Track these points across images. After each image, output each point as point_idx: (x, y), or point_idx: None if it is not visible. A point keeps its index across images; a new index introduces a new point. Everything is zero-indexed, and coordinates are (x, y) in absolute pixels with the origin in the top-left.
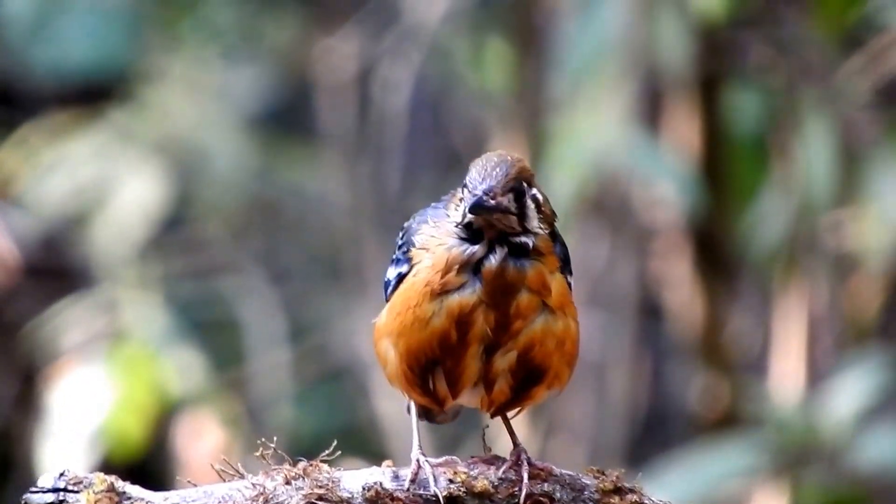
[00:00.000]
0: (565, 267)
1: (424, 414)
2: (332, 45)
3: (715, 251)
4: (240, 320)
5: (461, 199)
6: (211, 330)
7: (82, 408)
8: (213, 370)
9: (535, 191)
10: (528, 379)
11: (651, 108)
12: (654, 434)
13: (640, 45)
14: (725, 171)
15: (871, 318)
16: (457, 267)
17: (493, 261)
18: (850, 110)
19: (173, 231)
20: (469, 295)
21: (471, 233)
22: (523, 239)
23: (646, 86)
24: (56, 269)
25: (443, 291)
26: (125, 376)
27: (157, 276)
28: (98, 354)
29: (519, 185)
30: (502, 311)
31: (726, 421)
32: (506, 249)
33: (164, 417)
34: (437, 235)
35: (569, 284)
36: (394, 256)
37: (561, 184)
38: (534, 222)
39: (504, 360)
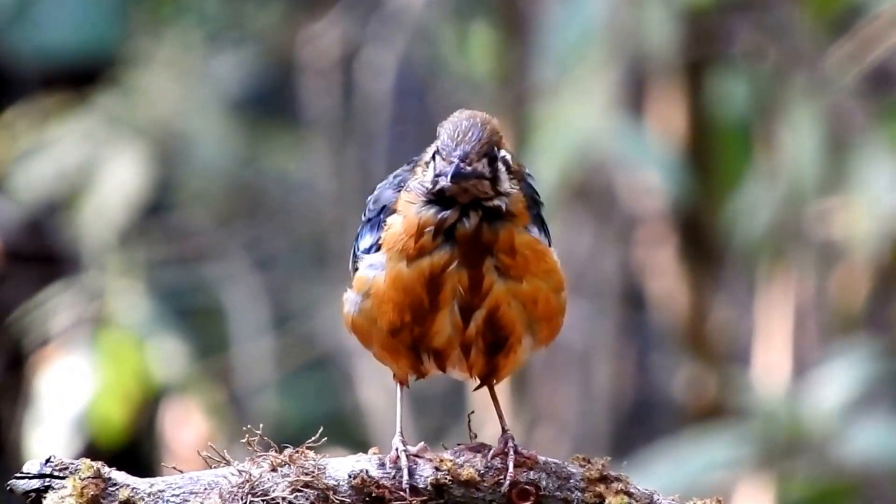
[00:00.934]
0: (536, 209)
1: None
2: (316, 29)
3: (700, 239)
4: (224, 307)
5: (427, 164)
6: (195, 317)
7: (68, 394)
8: (197, 357)
9: (503, 152)
10: (495, 345)
11: (636, 95)
12: (639, 424)
13: (626, 30)
14: (711, 158)
15: (857, 308)
16: (429, 230)
17: (468, 225)
18: (838, 97)
19: (157, 217)
20: (440, 256)
21: (442, 197)
22: (496, 202)
23: (631, 72)
24: (41, 254)
25: (415, 255)
26: (110, 363)
27: (141, 262)
28: (83, 341)
29: (491, 149)
30: (476, 270)
31: (711, 411)
32: (480, 213)
33: (149, 404)
34: (409, 199)
35: (546, 232)
36: (363, 224)
37: (545, 170)
38: (506, 185)
39: (472, 323)
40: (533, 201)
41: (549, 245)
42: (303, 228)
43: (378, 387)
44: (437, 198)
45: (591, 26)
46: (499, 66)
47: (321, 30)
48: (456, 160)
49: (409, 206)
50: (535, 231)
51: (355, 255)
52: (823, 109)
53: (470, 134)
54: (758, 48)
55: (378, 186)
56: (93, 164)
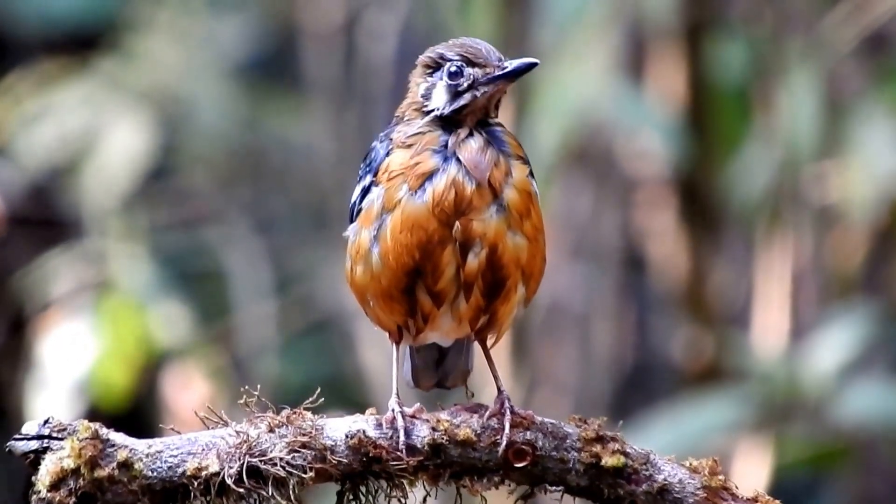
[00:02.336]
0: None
1: (413, 378)
2: None
3: (699, 202)
4: (225, 271)
5: (426, 94)
6: (197, 280)
7: (69, 358)
8: (199, 321)
9: None
10: (494, 287)
11: (635, 59)
12: (638, 386)
13: None
14: (710, 121)
15: (854, 270)
16: (430, 149)
17: (475, 141)
18: (835, 61)
19: (159, 181)
20: (443, 180)
21: (445, 122)
22: (494, 119)
23: (630, 36)
24: (43, 218)
25: (417, 183)
26: (111, 327)
27: (142, 226)
28: (85, 305)
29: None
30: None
31: (710, 373)
32: (483, 133)
33: (151, 368)
34: (404, 138)
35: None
36: (358, 184)
37: (545, 134)
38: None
39: (476, 260)
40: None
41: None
42: (303, 192)
43: (378, 349)
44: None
45: None
46: (499, 31)
47: None
48: (501, 60)
49: (405, 140)
50: (533, 183)
51: (352, 214)
52: (821, 73)
53: (484, 44)
54: (755, 12)
55: (368, 151)
56: (94, 129)
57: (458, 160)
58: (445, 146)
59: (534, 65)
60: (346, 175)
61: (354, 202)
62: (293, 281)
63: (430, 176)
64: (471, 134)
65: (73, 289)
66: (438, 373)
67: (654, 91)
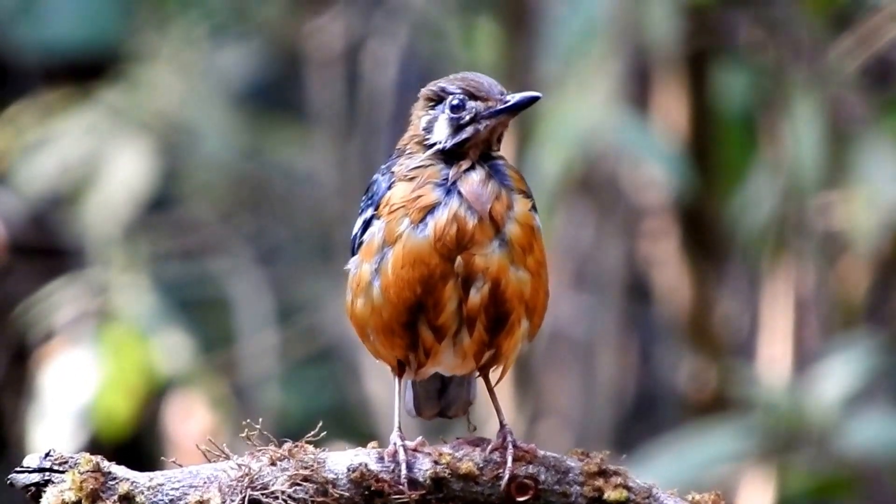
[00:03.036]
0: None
1: (415, 406)
2: (320, 22)
3: (703, 232)
4: (228, 300)
5: (427, 127)
6: (199, 310)
7: (71, 388)
8: (201, 351)
9: None
10: (498, 321)
11: (639, 88)
12: (643, 417)
13: (629, 23)
14: (713, 151)
15: (859, 300)
16: (432, 183)
17: (475, 176)
18: (839, 90)
19: (162, 210)
20: (444, 213)
21: (447, 156)
22: (496, 153)
23: (634, 65)
24: (45, 248)
25: (419, 217)
26: (113, 357)
27: (145, 255)
28: (87, 335)
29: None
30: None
31: (714, 404)
32: (486, 166)
33: (154, 398)
34: (405, 171)
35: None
36: (359, 217)
37: (549, 163)
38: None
39: (478, 295)
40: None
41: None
42: (307, 221)
43: (381, 379)
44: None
45: (595, 20)
46: (502, 60)
47: (325, 22)
48: (503, 94)
49: (407, 173)
50: (536, 217)
51: (353, 247)
52: (825, 102)
53: (488, 79)
54: (759, 41)
55: (369, 184)
56: (97, 158)
57: (460, 194)
58: (447, 179)
59: (535, 98)
60: (350, 205)
61: (356, 235)
62: (296, 311)
63: (431, 210)
64: (472, 167)
65: (75, 318)
66: (441, 402)
67: (658, 120)
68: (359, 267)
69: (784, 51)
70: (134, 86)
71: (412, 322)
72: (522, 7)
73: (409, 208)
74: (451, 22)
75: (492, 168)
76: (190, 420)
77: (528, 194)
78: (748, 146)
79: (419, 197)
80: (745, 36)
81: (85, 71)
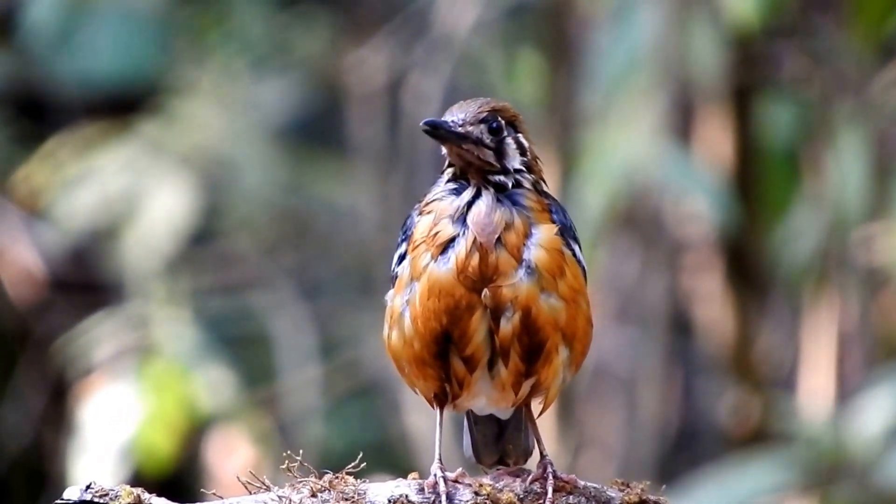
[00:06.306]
0: (567, 234)
1: (474, 452)
2: (362, 56)
3: (746, 266)
4: (270, 335)
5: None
6: (241, 345)
7: (113, 423)
8: (243, 386)
9: (520, 135)
10: (533, 350)
11: (683, 121)
12: (685, 450)
13: (673, 56)
14: (757, 184)
15: None
16: (447, 217)
17: (483, 205)
18: (884, 123)
19: (203, 245)
20: (462, 244)
21: (458, 185)
22: (502, 178)
23: (678, 98)
24: (85, 283)
25: (438, 250)
26: (155, 392)
27: (186, 290)
28: (128, 370)
29: (493, 118)
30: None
31: (756, 437)
32: (492, 192)
33: (195, 433)
34: (430, 200)
35: (578, 261)
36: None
37: (592, 197)
38: (514, 162)
39: (509, 325)
40: (565, 227)
41: (584, 275)
42: (348, 256)
43: (424, 414)
44: (456, 187)
45: (638, 52)
46: (545, 93)
47: (366, 56)
48: (447, 120)
49: (424, 208)
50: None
51: (392, 280)
52: (870, 135)
53: (471, 105)
54: (805, 74)
55: (406, 218)
56: (136, 192)
57: None
58: (459, 206)
59: (429, 125)
60: (391, 239)
61: (392, 268)
62: (337, 346)
63: (451, 242)
64: (479, 194)
65: (115, 353)
66: (499, 447)
67: (701, 154)
68: (392, 300)
69: (829, 83)
70: (173, 119)
71: (443, 352)
72: (565, 39)
73: (429, 244)
74: (494, 55)
75: (509, 197)
76: (232, 456)
77: (554, 221)
78: (792, 179)
79: (437, 233)
80: (790, 68)
81: (124, 104)
